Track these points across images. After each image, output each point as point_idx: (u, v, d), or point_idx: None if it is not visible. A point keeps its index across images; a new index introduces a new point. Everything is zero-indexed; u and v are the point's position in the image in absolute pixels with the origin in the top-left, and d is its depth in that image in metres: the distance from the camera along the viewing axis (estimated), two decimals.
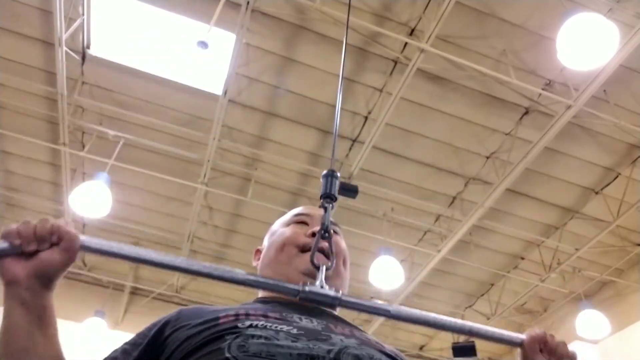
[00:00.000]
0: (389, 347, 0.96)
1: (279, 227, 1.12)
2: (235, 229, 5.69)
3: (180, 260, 0.84)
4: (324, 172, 1.04)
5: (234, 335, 0.77)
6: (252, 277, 0.86)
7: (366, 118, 4.47)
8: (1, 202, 5.60)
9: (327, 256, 0.97)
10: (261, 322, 0.82)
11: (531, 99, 4.20)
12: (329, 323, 0.91)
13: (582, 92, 3.81)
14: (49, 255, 0.77)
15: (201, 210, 5.31)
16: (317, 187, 5.10)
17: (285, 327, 0.82)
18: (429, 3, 3.67)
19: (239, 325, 0.80)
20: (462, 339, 6.40)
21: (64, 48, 3.72)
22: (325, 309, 0.94)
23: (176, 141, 4.68)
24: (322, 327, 0.87)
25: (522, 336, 0.91)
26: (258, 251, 1.15)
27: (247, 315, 0.86)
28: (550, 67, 3.94)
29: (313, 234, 1.02)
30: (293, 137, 4.69)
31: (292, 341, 0.77)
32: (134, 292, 6.39)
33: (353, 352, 0.79)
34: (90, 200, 4.37)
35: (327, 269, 0.90)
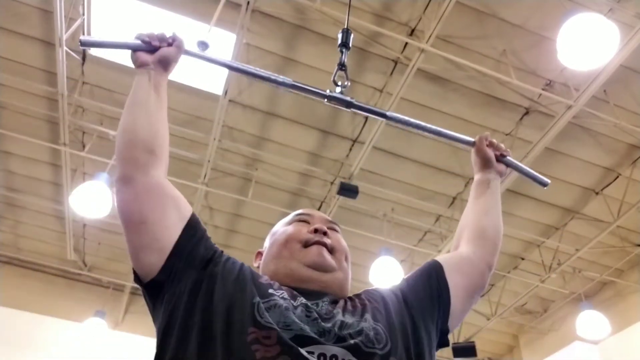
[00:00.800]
0: (388, 294, 1.05)
1: (281, 227, 1.15)
2: (235, 229, 5.70)
3: (248, 67, 1.26)
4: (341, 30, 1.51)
5: (264, 300, 0.89)
6: (293, 82, 1.26)
7: (366, 118, 4.47)
8: (2, 202, 5.60)
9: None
10: (285, 295, 0.93)
11: (531, 99, 4.20)
12: (334, 306, 0.97)
13: (583, 93, 3.81)
14: (168, 50, 1.12)
15: (201, 211, 5.31)
16: (317, 187, 5.12)
17: (301, 302, 0.93)
18: (429, 3, 3.67)
19: (270, 291, 0.92)
20: (462, 339, 6.40)
21: (65, 48, 3.73)
22: (332, 296, 1.01)
23: (176, 141, 4.68)
24: (327, 309, 0.94)
25: (474, 139, 1.36)
26: (259, 253, 1.18)
27: (276, 286, 0.96)
28: (551, 67, 3.95)
29: (315, 230, 1.07)
30: (293, 138, 4.69)
31: (306, 316, 0.89)
32: (135, 292, 6.39)
33: (356, 328, 0.89)
34: (90, 200, 4.37)
35: (344, 87, 1.38)
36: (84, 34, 3.92)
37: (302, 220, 1.14)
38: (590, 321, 5.30)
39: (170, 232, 0.95)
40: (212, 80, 4.18)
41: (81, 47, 1.22)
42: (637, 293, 5.55)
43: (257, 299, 0.89)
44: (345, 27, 1.58)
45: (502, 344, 7.03)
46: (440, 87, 4.20)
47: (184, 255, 0.94)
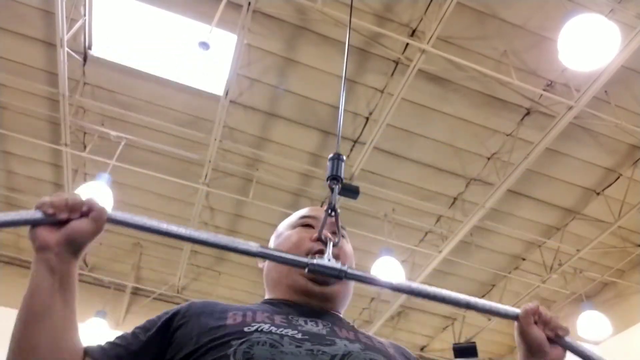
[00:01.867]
0: (393, 348, 0.99)
1: (285, 230, 1.12)
2: (236, 230, 5.70)
3: (199, 234, 0.90)
4: (331, 155, 1.11)
5: (240, 341, 0.79)
6: (264, 250, 0.93)
7: (367, 119, 4.48)
8: (3, 202, 5.61)
9: (334, 233, 1.02)
10: (267, 326, 0.84)
11: (532, 99, 4.20)
12: (334, 326, 0.91)
13: (584, 93, 3.81)
14: (79, 224, 0.82)
15: (202, 211, 5.32)
16: (318, 188, 5.11)
17: (290, 332, 0.83)
18: (430, 4, 3.67)
19: (245, 329, 0.82)
20: (463, 339, 6.39)
21: (66, 49, 3.73)
22: (330, 312, 0.97)
23: (177, 142, 4.68)
24: (327, 331, 0.88)
25: (518, 310, 0.95)
26: None
27: (254, 318, 0.88)
28: (552, 67, 3.95)
29: (318, 239, 1.03)
30: (294, 138, 4.70)
31: (297, 346, 0.79)
32: (135, 292, 6.40)
33: (357, 357, 0.81)
34: None
35: (333, 245, 0.97)
36: (85, 34, 3.93)
37: (306, 224, 1.09)
38: (591, 322, 5.30)
39: None
40: (214, 81, 4.19)
41: None
42: (638, 294, 5.55)
43: (233, 345, 0.78)
44: (336, 152, 1.11)
45: (503, 344, 7.02)
46: (441, 87, 4.20)
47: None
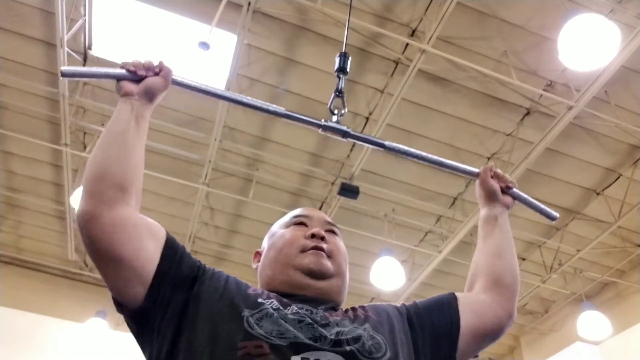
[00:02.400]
0: (391, 310, 1.04)
1: (279, 229, 1.13)
2: (236, 230, 5.70)
3: (240, 97, 1.23)
4: (338, 53, 1.49)
5: (254, 311, 0.88)
6: (287, 112, 1.24)
7: (367, 119, 4.48)
8: (3, 202, 5.61)
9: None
10: (276, 303, 0.92)
11: (532, 99, 4.20)
12: (331, 310, 0.97)
13: (584, 93, 3.81)
14: (153, 80, 1.07)
15: (202, 211, 5.32)
16: (318, 188, 5.12)
17: (295, 308, 0.91)
18: (430, 4, 3.67)
19: (259, 300, 0.91)
20: None
21: (66, 49, 3.73)
22: (327, 302, 1.00)
23: (177, 142, 4.68)
24: (323, 315, 0.93)
25: (478, 170, 1.31)
26: (257, 253, 1.16)
27: (269, 295, 0.95)
28: (552, 68, 3.95)
29: (312, 235, 1.05)
30: (294, 138, 4.70)
31: (299, 321, 0.87)
32: None
33: (352, 334, 0.88)
34: None
35: (341, 115, 1.31)
36: (85, 35, 3.93)
37: (300, 222, 1.11)
38: (591, 322, 5.29)
39: (150, 261, 0.90)
40: (214, 81, 4.18)
41: (62, 78, 1.20)
42: (638, 294, 5.55)
43: (246, 312, 0.87)
44: (343, 50, 1.51)
45: (503, 344, 7.03)
46: (441, 87, 4.20)
47: (167, 279, 0.91)
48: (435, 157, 1.34)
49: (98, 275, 6.55)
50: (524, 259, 5.76)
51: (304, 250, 1.03)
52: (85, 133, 4.74)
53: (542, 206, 1.34)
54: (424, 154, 1.33)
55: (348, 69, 1.50)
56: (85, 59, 4.16)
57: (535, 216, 5.24)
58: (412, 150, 1.31)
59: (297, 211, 1.16)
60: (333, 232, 1.12)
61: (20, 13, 3.87)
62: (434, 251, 5.35)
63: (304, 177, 5.06)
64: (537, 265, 5.69)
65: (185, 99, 4.37)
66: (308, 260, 1.02)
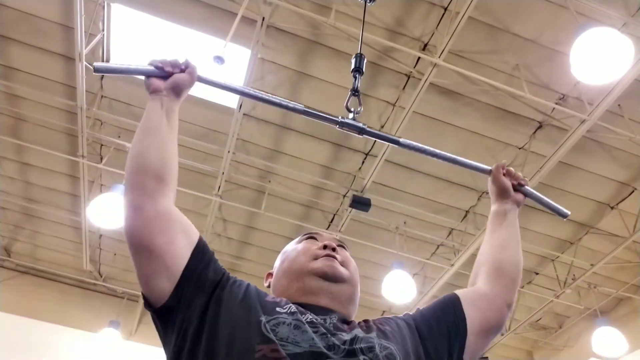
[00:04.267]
0: (403, 322, 1.05)
1: (291, 246, 1.17)
2: (248, 241, 5.73)
3: (261, 93, 1.31)
4: (354, 54, 1.62)
5: (271, 317, 0.90)
6: (306, 108, 1.28)
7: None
8: (20, 212, 5.71)
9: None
10: (292, 310, 0.94)
11: (545, 113, 4.19)
12: (343, 320, 0.99)
13: (597, 107, 3.80)
14: (180, 76, 1.13)
15: (215, 222, 5.36)
16: (330, 200, 5.14)
17: (309, 317, 0.93)
18: (441, 18, 3.71)
19: (277, 309, 0.93)
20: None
21: (84, 63, 3.81)
22: (341, 314, 1.01)
23: (191, 154, 4.74)
24: (336, 325, 0.95)
25: (490, 167, 1.34)
26: (269, 274, 1.19)
27: (283, 303, 0.98)
28: (564, 81, 3.95)
29: (324, 247, 1.09)
30: (306, 151, 4.73)
31: (314, 331, 0.89)
32: None
33: (366, 344, 0.90)
34: (107, 212, 4.44)
35: (357, 113, 1.38)
36: (103, 49, 4.01)
37: (310, 237, 1.16)
38: (606, 338, 5.21)
39: (179, 257, 0.95)
40: (227, 94, 4.25)
41: (95, 73, 1.28)
42: None
43: (263, 317, 0.90)
44: (359, 52, 1.61)
45: None
46: (453, 101, 4.21)
47: (193, 279, 0.95)
48: (449, 155, 1.38)
49: (112, 286, 6.65)
50: (537, 273, 5.70)
51: (317, 258, 1.07)
52: (102, 145, 4.82)
53: (554, 203, 1.36)
54: (437, 151, 1.38)
55: (364, 69, 1.61)
56: None
57: (549, 230, 5.18)
58: (426, 147, 1.36)
59: (307, 232, 1.21)
60: (343, 247, 1.16)
61: (40, 28, 3.98)
62: (445, 264, 5.33)
63: (316, 189, 5.08)
64: (550, 280, 5.63)
65: (199, 112, 4.43)
66: (322, 263, 1.05)
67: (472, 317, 1.06)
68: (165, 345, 0.97)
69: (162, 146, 1.03)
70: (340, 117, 1.30)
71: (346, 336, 0.90)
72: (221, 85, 1.26)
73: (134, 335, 6.22)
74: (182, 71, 1.15)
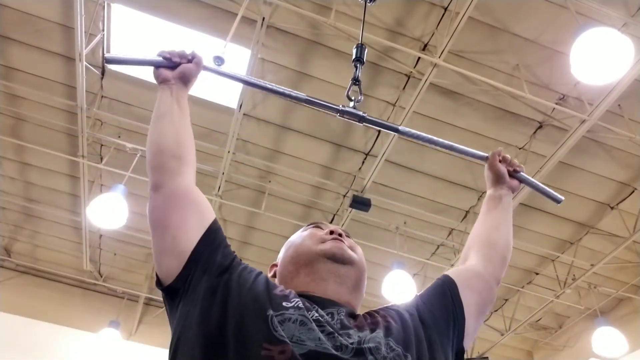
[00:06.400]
0: (406, 313, 1.03)
1: (295, 235, 1.17)
2: (249, 241, 5.73)
3: (272, 85, 1.32)
4: (355, 45, 1.65)
5: (278, 312, 0.88)
6: (308, 97, 1.33)
7: (379, 132, 4.50)
8: (20, 212, 5.71)
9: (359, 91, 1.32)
10: (300, 305, 0.92)
11: (545, 113, 4.20)
12: (350, 320, 0.96)
13: (597, 107, 3.80)
14: (187, 66, 1.20)
15: None
16: (330, 200, 5.14)
17: (315, 315, 0.91)
18: (441, 18, 3.71)
19: (284, 304, 0.91)
20: (475, 354, 6.32)
21: (85, 63, 3.81)
22: (348, 308, 1.00)
23: None
24: (343, 322, 0.93)
25: (487, 154, 1.38)
26: (274, 265, 1.18)
27: (292, 296, 0.96)
28: (564, 81, 3.95)
29: (330, 232, 1.10)
30: (306, 151, 4.74)
31: (320, 330, 0.87)
32: (148, 302, 6.44)
33: (373, 343, 0.88)
34: (107, 211, 4.44)
35: (357, 101, 1.42)
36: (103, 49, 4.02)
37: (315, 226, 1.16)
38: (606, 338, 5.21)
39: (190, 237, 0.97)
40: (227, 94, 4.25)
41: (106, 64, 1.35)
42: None
43: (271, 312, 0.88)
44: (360, 42, 1.65)
45: None
46: (453, 101, 4.22)
47: (201, 261, 0.96)
48: (446, 142, 1.41)
49: (112, 286, 6.65)
50: (537, 274, 5.71)
51: (324, 242, 1.07)
52: (102, 145, 4.82)
53: (548, 189, 1.41)
54: (434, 138, 1.41)
55: (365, 60, 1.65)
56: (103, 72, 4.25)
57: (549, 230, 5.17)
58: (424, 134, 1.40)
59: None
60: (348, 236, 1.15)
61: (41, 28, 3.98)
62: (445, 264, 5.33)
63: (316, 189, 5.08)
64: (550, 280, 5.63)
65: (199, 112, 4.44)
66: (330, 245, 1.05)
67: (469, 301, 1.07)
68: (171, 326, 0.97)
69: (176, 128, 1.10)
70: (341, 106, 1.35)
71: (354, 335, 0.89)
72: (225, 74, 1.32)
73: (134, 335, 6.22)
74: (189, 61, 1.21)
